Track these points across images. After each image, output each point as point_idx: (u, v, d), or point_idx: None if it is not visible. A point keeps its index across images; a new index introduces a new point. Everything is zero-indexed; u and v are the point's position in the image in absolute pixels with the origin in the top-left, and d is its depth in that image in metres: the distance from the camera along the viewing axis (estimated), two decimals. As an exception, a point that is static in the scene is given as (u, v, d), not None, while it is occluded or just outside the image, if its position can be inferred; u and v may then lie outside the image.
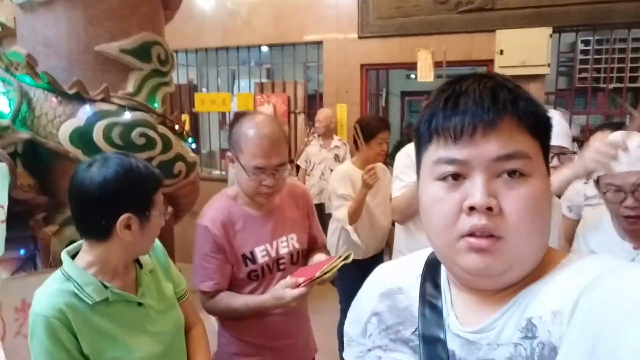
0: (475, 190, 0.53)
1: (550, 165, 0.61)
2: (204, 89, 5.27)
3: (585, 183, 1.72)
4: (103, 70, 1.92)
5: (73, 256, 1.10)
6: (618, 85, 4.15)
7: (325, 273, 1.26)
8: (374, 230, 2.55)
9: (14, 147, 1.75)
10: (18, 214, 1.69)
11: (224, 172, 4.89)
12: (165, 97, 2.16)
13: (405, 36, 4.16)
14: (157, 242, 1.25)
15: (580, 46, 4.17)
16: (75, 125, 1.80)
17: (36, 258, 1.89)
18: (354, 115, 4.31)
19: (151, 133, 1.88)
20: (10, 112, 1.76)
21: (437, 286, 0.65)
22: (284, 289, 1.28)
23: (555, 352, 0.50)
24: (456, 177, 0.55)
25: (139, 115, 1.88)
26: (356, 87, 4.46)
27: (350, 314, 0.76)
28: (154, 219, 1.11)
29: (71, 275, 1.04)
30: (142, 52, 1.97)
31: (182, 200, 2.14)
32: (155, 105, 2.02)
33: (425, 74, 3.85)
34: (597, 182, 1.39)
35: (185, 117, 4.47)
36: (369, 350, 0.69)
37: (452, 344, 0.59)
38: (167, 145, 1.94)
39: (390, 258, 2.46)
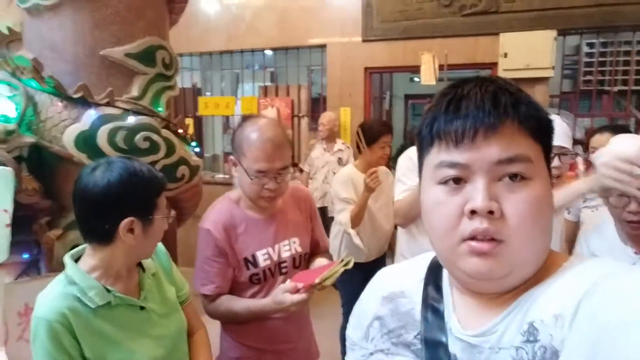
0: (476, 193, 0.53)
1: (551, 165, 0.61)
2: (208, 93, 5.29)
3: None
4: (108, 74, 1.93)
5: (76, 260, 1.10)
6: (623, 87, 4.14)
7: (326, 279, 1.25)
8: (376, 234, 2.54)
9: (19, 151, 1.76)
10: (22, 218, 1.70)
11: (227, 176, 4.91)
12: (170, 100, 2.17)
13: (409, 39, 4.17)
14: (160, 245, 1.25)
15: (585, 49, 4.16)
16: (80, 129, 1.80)
17: (39, 262, 1.89)
18: (357, 118, 4.32)
19: (155, 137, 1.89)
20: (16, 116, 1.77)
21: (439, 290, 0.65)
22: (283, 293, 1.28)
23: (557, 356, 0.49)
24: (458, 180, 0.55)
25: (143, 119, 1.89)
26: (360, 90, 4.47)
27: (352, 317, 0.75)
28: (157, 223, 1.11)
29: (74, 279, 1.04)
30: (147, 56, 1.98)
31: (185, 204, 2.14)
32: (160, 109, 2.03)
33: (428, 77, 3.84)
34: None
35: (189, 121, 4.48)
36: (371, 354, 0.69)
37: (454, 348, 0.59)
38: (170, 149, 1.94)
39: (392, 261, 2.45)
